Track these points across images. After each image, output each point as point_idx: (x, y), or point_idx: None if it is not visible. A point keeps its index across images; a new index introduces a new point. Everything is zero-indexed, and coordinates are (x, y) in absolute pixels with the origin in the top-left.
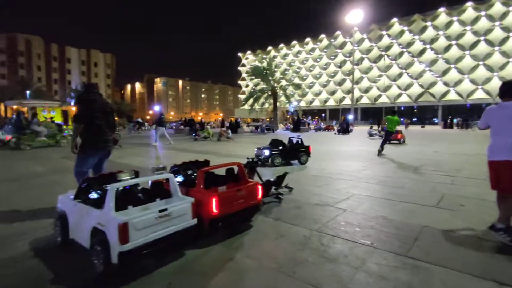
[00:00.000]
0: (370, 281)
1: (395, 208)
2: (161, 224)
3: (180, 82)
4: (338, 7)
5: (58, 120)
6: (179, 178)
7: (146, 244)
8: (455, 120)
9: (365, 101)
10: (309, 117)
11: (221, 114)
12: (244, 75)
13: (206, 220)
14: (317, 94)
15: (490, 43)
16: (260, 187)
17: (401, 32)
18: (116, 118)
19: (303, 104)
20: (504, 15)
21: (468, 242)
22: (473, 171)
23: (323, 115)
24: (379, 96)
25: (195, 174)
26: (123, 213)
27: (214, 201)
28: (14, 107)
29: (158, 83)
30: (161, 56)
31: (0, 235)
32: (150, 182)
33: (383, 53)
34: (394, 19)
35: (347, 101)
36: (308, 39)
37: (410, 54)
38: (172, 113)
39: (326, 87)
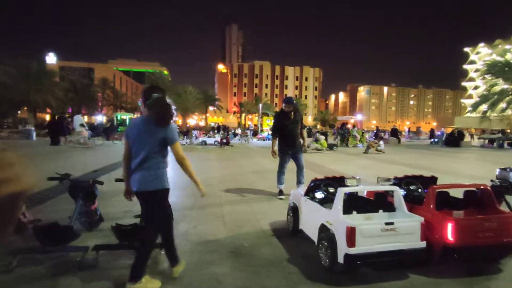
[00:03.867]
0: None
1: None
2: (386, 237)
3: (385, 89)
4: None
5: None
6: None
7: (371, 253)
8: None
9: None
10: None
11: (434, 123)
12: (472, 74)
13: (437, 246)
14: None
15: None
16: None
17: None
18: (319, 126)
19: None
20: None
21: None
22: None
23: None
24: None
25: (419, 190)
26: (349, 217)
27: (450, 226)
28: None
29: (361, 92)
30: (365, 64)
31: (248, 212)
32: (365, 192)
33: None
34: None
35: None
36: None
37: None
38: (374, 121)
39: None
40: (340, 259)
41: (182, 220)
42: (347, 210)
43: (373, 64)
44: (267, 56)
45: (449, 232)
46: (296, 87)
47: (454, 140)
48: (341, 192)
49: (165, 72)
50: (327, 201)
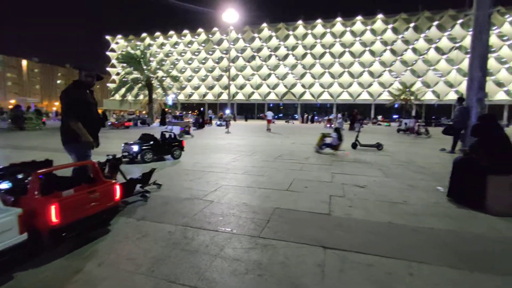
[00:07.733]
0: (225, 266)
1: (255, 194)
2: None
3: (24, 62)
4: (216, 4)
5: None
6: (5, 185)
7: None
8: (316, 117)
9: (240, 97)
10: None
11: None
12: (114, 61)
13: (44, 232)
14: (196, 88)
15: (332, 55)
16: (118, 187)
17: (270, 37)
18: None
19: (182, 97)
20: (346, 32)
21: (306, 218)
22: (318, 158)
23: (201, 109)
24: (252, 93)
25: (29, 178)
26: None
27: (53, 208)
28: None
29: None
30: None
31: None
32: None
33: (255, 54)
34: (264, 24)
35: (225, 96)
36: (186, 31)
37: (277, 58)
38: (12, 100)
39: (204, 82)
40: None
41: None
42: None
43: (9, 32)
44: None
45: (53, 214)
46: None
47: (101, 121)
48: None
49: None
50: None
